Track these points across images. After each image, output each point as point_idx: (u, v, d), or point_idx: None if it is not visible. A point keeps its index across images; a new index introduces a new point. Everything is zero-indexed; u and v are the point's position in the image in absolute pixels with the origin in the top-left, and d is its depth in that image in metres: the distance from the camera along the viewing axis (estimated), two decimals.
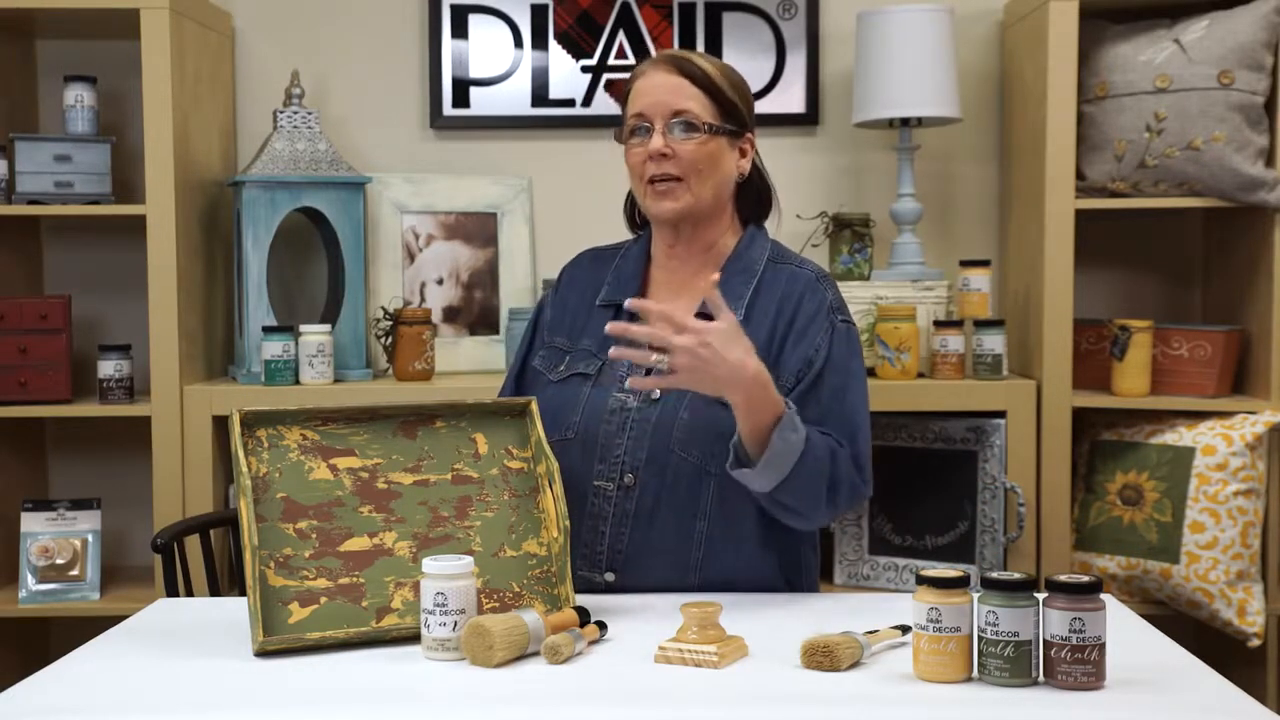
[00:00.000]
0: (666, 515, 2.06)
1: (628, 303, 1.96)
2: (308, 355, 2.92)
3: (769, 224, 2.27)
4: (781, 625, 1.85)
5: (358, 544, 1.83)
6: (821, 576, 2.34)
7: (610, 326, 1.96)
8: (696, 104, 2.12)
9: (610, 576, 2.07)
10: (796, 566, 2.16)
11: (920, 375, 2.97)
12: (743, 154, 2.19)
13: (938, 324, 2.95)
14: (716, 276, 1.97)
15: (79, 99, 3.04)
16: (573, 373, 2.16)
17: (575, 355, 2.18)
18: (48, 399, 2.97)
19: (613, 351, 1.94)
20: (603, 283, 2.22)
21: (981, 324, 2.96)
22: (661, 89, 2.12)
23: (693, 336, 1.87)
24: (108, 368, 2.97)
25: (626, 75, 2.34)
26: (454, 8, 3.26)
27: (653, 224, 2.22)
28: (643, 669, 1.68)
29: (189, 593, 2.31)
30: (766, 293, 2.14)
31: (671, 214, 2.14)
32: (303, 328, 2.95)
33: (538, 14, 3.26)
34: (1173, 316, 3.22)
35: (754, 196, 2.23)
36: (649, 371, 2.00)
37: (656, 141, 2.10)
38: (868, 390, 2.15)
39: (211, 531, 2.40)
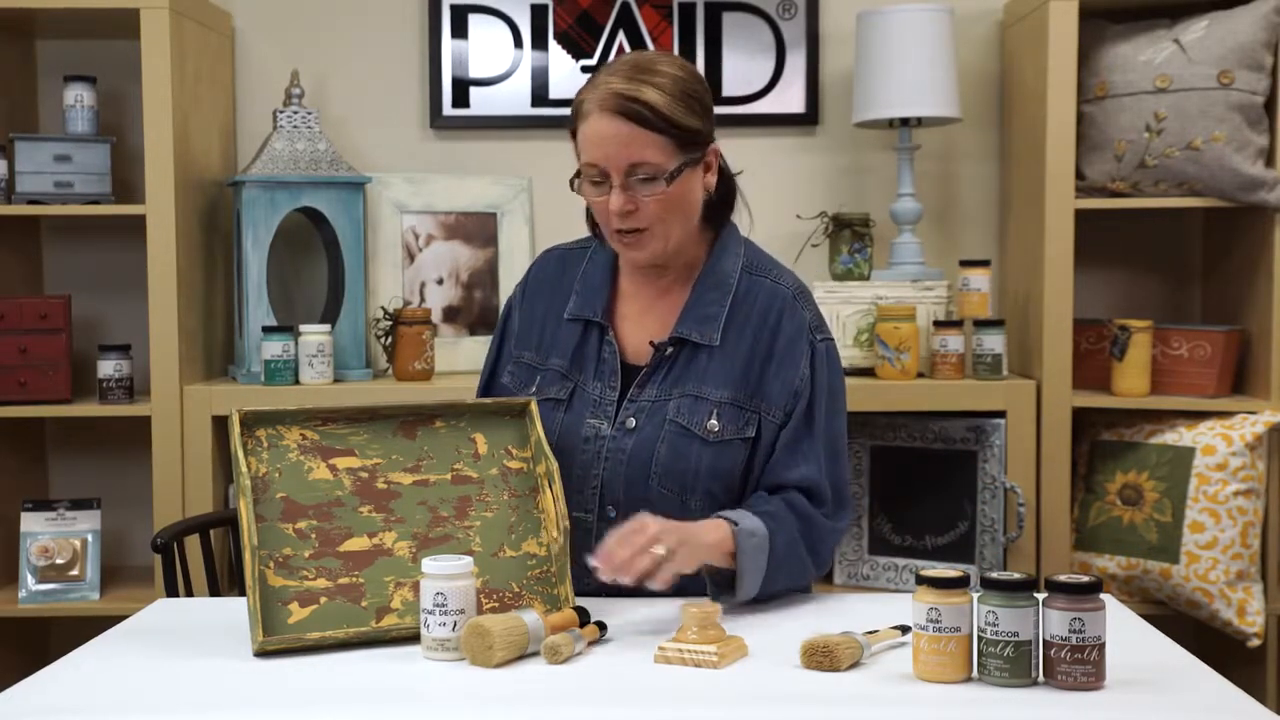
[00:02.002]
0: None
1: (590, 562, 1.81)
2: (307, 355, 2.92)
3: (741, 221, 2.15)
4: (781, 625, 1.85)
5: (357, 544, 1.83)
6: (821, 576, 2.34)
7: (600, 564, 1.80)
8: (654, 151, 1.93)
9: None
10: None
11: (920, 375, 2.97)
12: (708, 169, 2.03)
13: (938, 324, 2.94)
14: None
15: (79, 99, 3.04)
16: (544, 398, 2.07)
17: (546, 376, 2.10)
18: (48, 399, 2.97)
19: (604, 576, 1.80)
20: (570, 291, 2.13)
21: (981, 324, 2.96)
22: (612, 141, 1.93)
23: (656, 528, 1.81)
24: (107, 368, 2.97)
25: None
26: (454, 8, 3.26)
27: None
28: (643, 669, 1.68)
29: (189, 593, 2.30)
30: (743, 306, 2.05)
31: (645, 262, 2.06)
32: (302, 328, 2.95)
33: (538, 14, 3.26)
34: (1173, 316, 3.22)
35: (721, 200, 2.10)
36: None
37: (616, 200, 1.95)
38: (846, 403, 2.11)
39: (211, 531, 2.40)
